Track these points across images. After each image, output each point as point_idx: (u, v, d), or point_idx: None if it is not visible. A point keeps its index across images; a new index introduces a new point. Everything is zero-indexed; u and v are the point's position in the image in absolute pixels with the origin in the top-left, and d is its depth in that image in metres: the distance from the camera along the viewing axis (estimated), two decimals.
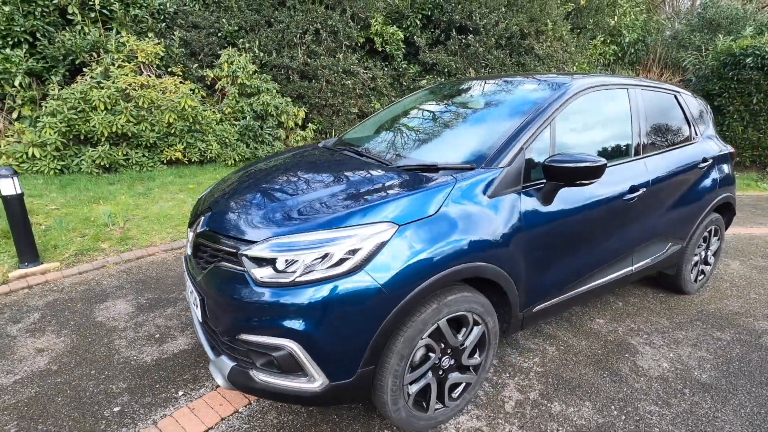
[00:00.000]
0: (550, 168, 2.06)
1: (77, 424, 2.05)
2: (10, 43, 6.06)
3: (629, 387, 2.44)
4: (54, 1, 6.30)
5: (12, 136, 5.62)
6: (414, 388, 1.92)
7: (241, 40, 7.71)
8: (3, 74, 6.04)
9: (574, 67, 9.84)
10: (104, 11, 6.66)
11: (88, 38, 6.40)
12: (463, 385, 2.14)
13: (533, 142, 2.17)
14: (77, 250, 3.78)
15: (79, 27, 6.47)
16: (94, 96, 5.48)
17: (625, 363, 2.65)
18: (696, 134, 3.23)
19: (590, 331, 2.98)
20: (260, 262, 1.72)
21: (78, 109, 5.49)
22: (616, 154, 2.60)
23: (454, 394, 2.11)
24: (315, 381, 1.72)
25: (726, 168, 3.37)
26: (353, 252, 1.68)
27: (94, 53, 6.40)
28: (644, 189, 2.64)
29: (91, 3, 6.50)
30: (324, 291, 1.64)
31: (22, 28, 6.05)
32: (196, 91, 7.38)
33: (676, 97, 3.15)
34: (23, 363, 2.45)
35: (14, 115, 6.09)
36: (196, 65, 7.46)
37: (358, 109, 8.52)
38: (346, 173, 2.20)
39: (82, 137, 5.62)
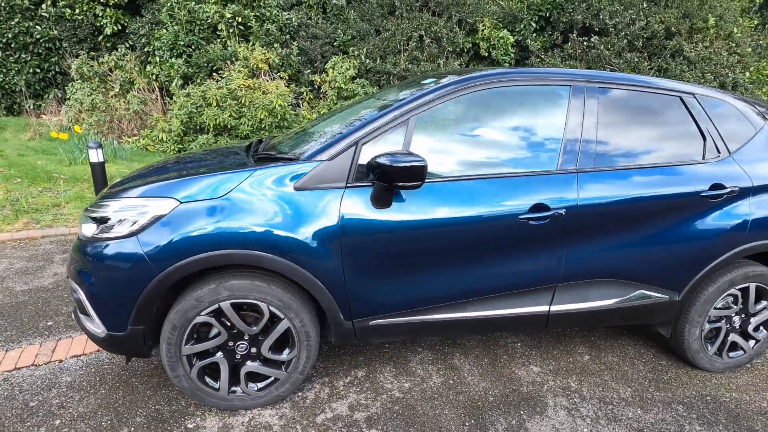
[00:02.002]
0: (371, 166, 1.87)
1: (20, 325, 2.74)
2: (175, 54, 7.92)
3: None
4: (208, 21, 7.99)
5: (153, 123, 7.39)
6: (200, 363, 2.00)
7: (351, 48, 8.39)
8: (168, 78, 7.95)
9: (746, 75, 7.67)
10: (240, 26, 8.12)
11: (229, 49, 7.91)
12: (272, 378, 2.10)
13: (377, 139, 1.99)
14: None
15: (222, 40, 8.05)
16: (210, 94, 6.77)
17: (510, 419, 2.15)
18: (717, 152, 2.34)
19: (509, 374, 2.47)
20: (93, 220, 2.06)
21: (198, 105, 6.86)
22: (519, 162, 2.13)
23: (255, 385, 2.09)
24: (99, 327, 1.97)
25: None
26: (134, 221, 1.87)
27: (228, 61, 7.86)
28: (564, 210, 2.09)
29: (232, 21, 8.01)
30: (102, 250, 1.89)
31: (183, 42, 7.85)
32: (305, 93, 8.35)
33: (682, 99, 2.35)
34: (39, 280, 3.34)
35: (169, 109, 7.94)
36: (309, 71, 8.44)
37: None
38: (211, 160, 2.39)
39: (197, 127, 7.01)
